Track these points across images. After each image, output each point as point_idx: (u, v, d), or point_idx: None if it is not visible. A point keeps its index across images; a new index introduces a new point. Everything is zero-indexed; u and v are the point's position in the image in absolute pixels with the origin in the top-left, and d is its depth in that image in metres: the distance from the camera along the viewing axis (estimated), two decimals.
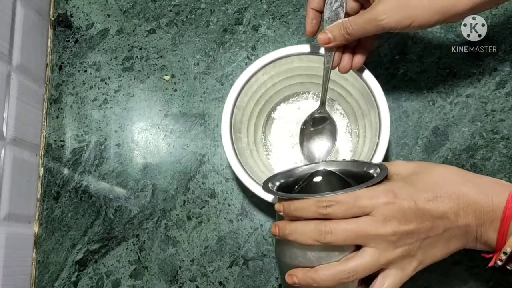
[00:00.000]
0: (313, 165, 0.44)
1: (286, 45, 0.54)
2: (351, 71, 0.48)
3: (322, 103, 0.48)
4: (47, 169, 0.59)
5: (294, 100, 0.55)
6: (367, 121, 0.50)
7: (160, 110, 0.59)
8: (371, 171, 0.39)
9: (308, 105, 0.54)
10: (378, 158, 0.46)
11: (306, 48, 0.50)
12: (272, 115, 0.55)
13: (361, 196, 0.35)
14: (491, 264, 0.36)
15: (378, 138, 0.46)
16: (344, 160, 0.44)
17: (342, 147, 0.53)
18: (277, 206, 0.39)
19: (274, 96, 0.54)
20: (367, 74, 0.48)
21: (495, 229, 0.35)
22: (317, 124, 0.49)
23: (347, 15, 0.45)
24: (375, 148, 0.46)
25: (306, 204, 0.36)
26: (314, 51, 0.49)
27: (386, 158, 0.52)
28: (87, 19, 0.63)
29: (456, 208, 0.35)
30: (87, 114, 0.60)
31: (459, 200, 0.35)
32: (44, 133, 0.60)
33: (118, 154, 0.58)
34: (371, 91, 0.48)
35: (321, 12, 0.46)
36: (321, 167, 0.43)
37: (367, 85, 0.48)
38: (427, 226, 0.35)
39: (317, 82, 0.52)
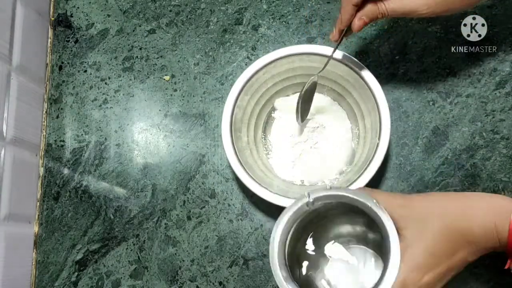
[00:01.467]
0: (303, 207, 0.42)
1: (286, 45, 0.54)
2: (351, 71, 0.48)
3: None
4: (47, 169, 0.59)
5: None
6: (367, 122, 0.50)
7: (160, 110, 0.59)
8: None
9: None
10: (378, 159, 0.46)
11: (307, 48, 0.50)
12: (273, 114, 0.55)
13: None
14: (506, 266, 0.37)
15: (379, 139, 0.46)
16: (331, 188, 0.42)
17: (342, 149, 0.53)
18: None
19: (274, 95, 0.54)
20: (368, 75, 0.48)
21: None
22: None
23: None
24: (375, 149, 0.46)
25: None
26: (315, 52, 0.49)
27: (386, 158, 0.52)
28: (87, 19, 0.63)
29: (461, 259, 0.37)
30: (87, 114, 0.60)
31: (461, 257, 0.37)
32: (44, 133, 0.60)
33: (118, 154, 0.58)
34: (372, 92, 0.48)
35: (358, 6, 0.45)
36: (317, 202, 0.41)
37: (367, 85, 0.48)
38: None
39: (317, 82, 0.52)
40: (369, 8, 0.44)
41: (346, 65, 0.49)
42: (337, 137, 0.53)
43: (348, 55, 0.49)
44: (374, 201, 0.38)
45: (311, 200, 0.40)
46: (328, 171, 0.52)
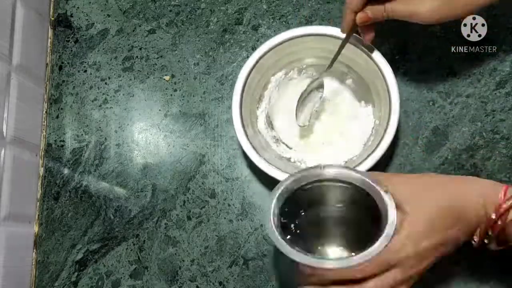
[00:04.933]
0: (315, 171, 0.43)
1: None
2: (361, 52, 0.50)
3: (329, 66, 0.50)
4: (47, 169, 0.59)
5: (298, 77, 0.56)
6: (377, 102, 0.51)
7: (160, 110, 0.59)
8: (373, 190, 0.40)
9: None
10: (384, 144, 0.47)
11: (320, 29, 0.51)
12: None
13: (386, 257, 0.37)
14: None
15: (387, 125, 0.47)
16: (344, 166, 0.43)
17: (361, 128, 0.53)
18: (304, 270, 0.40)
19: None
20: (377, 56, 0.49)
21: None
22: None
23: None
24: (383, 133, 0.47)
25: (337, 273, 0.38)
26: (329, 33, 0.51)
27: (387, 158, 0.52)
28: (87, 19, 0.63)
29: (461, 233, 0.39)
30: (87, 114, 0.60)
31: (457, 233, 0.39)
32: (44, 133, 0.60)
33: (118, 154, 0.58)
34: (382, 73, 0.49)
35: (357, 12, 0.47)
36: (326, 173, 0.42)
37: (377, 67, 0.49)
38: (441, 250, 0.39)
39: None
40: (375, 6, 0.45)
41: (356, 46, 0.50)
42: (345, 119, 0.54)
43: (359, 37, 0.49)
44: (371, 178, 0.40)
45: (323, 166, 0.41)
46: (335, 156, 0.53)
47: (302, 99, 0.52)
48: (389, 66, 0.49)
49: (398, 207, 0.38)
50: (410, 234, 0.38)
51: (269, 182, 0.54)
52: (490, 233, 0.38)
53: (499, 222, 0.37)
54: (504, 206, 0.37)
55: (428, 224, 0.38)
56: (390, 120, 0.48)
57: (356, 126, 0.53)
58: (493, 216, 0.37)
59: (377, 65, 0.49)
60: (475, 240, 0.39)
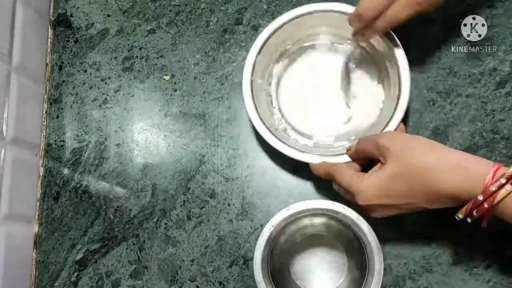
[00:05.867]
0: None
1: None
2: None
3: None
4: (47, 169, 0.59)
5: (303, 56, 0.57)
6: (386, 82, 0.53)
7: (160, 110, 0.59)
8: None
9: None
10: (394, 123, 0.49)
11: (330, 6, 0.53)
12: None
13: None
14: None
15: (396, 104, 0.49)
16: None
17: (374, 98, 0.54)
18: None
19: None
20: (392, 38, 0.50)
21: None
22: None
23: None
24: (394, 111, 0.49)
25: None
26: (339, 10, 0.52)
27: None
28: (87, 19, 0.63)
29: None
30: (87, 114, 0.60)
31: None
32: (44, 133, 0.60)
33: (118, 154, 0.58)
34: (394, 55, 0.50)
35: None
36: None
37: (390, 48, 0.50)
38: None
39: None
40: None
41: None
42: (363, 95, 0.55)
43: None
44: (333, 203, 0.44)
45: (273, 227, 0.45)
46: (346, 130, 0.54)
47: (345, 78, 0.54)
48: (402, 49, 0.50)
49: (383, 155, 0.42)
50: (370, 187, 0.41)
51: (269, 182, 0.54)
52: (475, 213, 0.38)
53: (486, 205, 0.36)
54: (492, 188, 0.36)
55: (384, 187, 0.41)
56: (399, 103, 0.49)
57: (369, 104, 0.54)
58: (480, 198, 0.37)
59: (389, 47, 0.50)
60: (459, 216, 0.39)
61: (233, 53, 0.59)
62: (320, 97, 0.55)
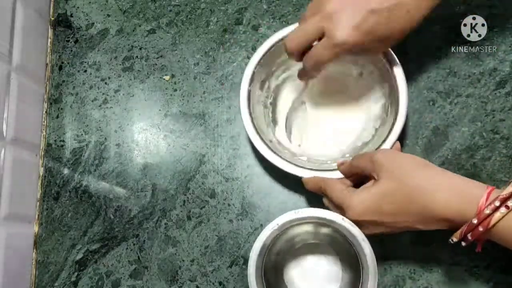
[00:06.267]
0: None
1: None
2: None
3: None
4: (47, 169, 0.59)
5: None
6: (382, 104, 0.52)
7: (160, 110, 0.59)
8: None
9: None
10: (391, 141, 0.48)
11: None
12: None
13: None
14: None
15: (394, 119, 0.48)
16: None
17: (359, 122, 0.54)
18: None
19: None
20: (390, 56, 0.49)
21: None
22: None
23: None
24: (390, 128, 0.48)
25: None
26: None
27: None
28: (87, 19, 0.63)
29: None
30: (87, 114, 0.60)
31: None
32: (44, 133, 0.60)
33: (118, 154, 0.58)
34: (392, 73, 0.49)
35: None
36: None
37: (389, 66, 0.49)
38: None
39: None
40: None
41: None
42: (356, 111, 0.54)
43: None
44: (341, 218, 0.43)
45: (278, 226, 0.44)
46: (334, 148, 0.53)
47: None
48: (402, 69, 0.49)
49: (376, 171, 0.41)
50: (362, 202, 0.41)
51: (269, 182, 0.54)
52: (469, 237, 0.37)
53: (481, 228, 0.36)
54: (486, 211, 0.36)
55: (376, 203, 0.40)
56: (396, 123, 0.48)
57: (364, 121, 0.53)
58: (474, 221, 0.36)
59: (388, 67, 0.49)
60: (453, 240, 0.39)
61: (233, 53, 0.59)
62: (318, 112, 0.54)
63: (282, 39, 0.51)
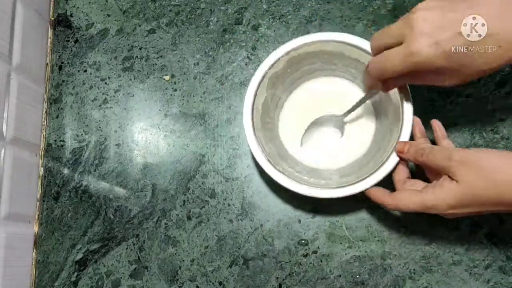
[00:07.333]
0: None
1: None
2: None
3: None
4: (47, 169, 0.59)
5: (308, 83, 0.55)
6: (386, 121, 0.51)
7: (160, 110, 0.59)
8: None
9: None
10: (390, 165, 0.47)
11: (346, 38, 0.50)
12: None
13: None
14: None
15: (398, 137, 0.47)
16: None
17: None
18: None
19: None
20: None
21: None
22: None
23: None
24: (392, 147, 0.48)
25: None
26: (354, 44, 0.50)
27: None
28: (87, 19, 0.63)
29: None
30: (87, 114, 0.60)
31: None
32: (44, 133, 0.60)
33: (118, 154, 0.58)
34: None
35: None
36: None
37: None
38: None
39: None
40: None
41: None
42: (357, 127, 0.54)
43: None
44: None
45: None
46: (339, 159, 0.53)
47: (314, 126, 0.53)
48: (412, 106, 0.48)
49: (452, 169, 0.39)
50: (443, 196, 0.39)
51: (269, 182, 0.54)
52: None
53: None
54: None
55: (462, 202, 0.39)
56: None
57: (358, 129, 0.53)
58: None
59: (400, 99, 0.48)
60: None
61: (233, 53, 0.59)
62: (321, 125, 0.54)
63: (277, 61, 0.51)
